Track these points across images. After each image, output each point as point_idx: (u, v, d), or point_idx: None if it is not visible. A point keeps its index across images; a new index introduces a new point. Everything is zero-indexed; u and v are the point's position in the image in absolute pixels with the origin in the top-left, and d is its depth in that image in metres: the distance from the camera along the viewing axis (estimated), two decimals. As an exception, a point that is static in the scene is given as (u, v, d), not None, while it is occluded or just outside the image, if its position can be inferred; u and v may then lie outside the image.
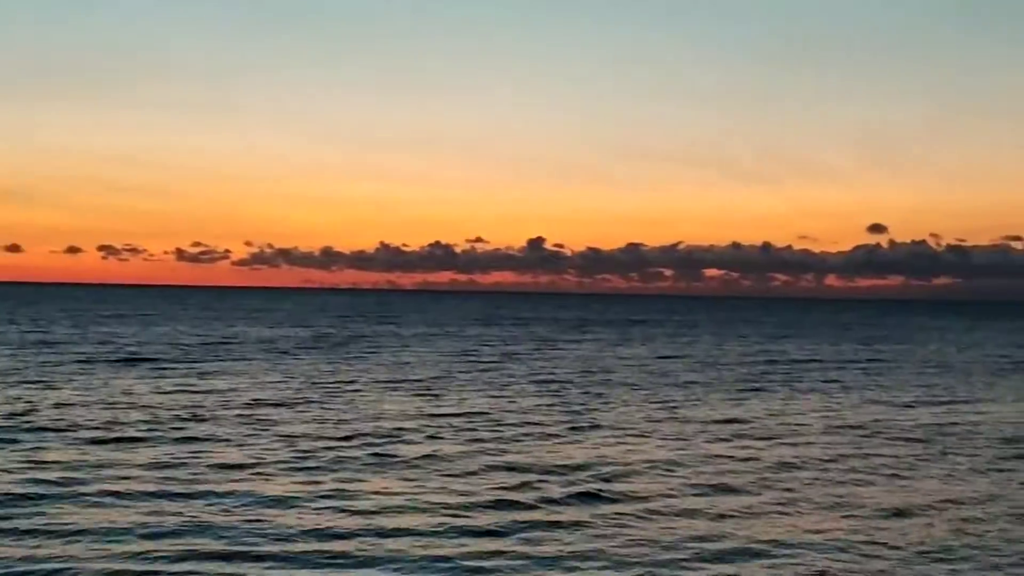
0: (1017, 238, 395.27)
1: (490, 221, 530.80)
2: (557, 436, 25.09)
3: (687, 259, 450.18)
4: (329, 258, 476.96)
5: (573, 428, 26.57)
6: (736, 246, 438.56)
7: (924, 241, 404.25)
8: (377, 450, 22.48)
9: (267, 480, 19.05)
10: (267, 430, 25.16)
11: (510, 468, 20.66)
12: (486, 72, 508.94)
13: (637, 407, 31.77)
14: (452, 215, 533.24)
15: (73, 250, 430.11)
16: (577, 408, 31.01)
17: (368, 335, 75.59)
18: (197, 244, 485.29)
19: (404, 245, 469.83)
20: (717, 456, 22.71)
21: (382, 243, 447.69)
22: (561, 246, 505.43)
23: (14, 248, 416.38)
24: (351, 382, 37.88)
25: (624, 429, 26.72)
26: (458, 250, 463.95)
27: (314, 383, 37.19)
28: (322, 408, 29.88)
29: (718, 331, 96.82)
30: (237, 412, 28.43)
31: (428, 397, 33.25)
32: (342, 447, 22.83)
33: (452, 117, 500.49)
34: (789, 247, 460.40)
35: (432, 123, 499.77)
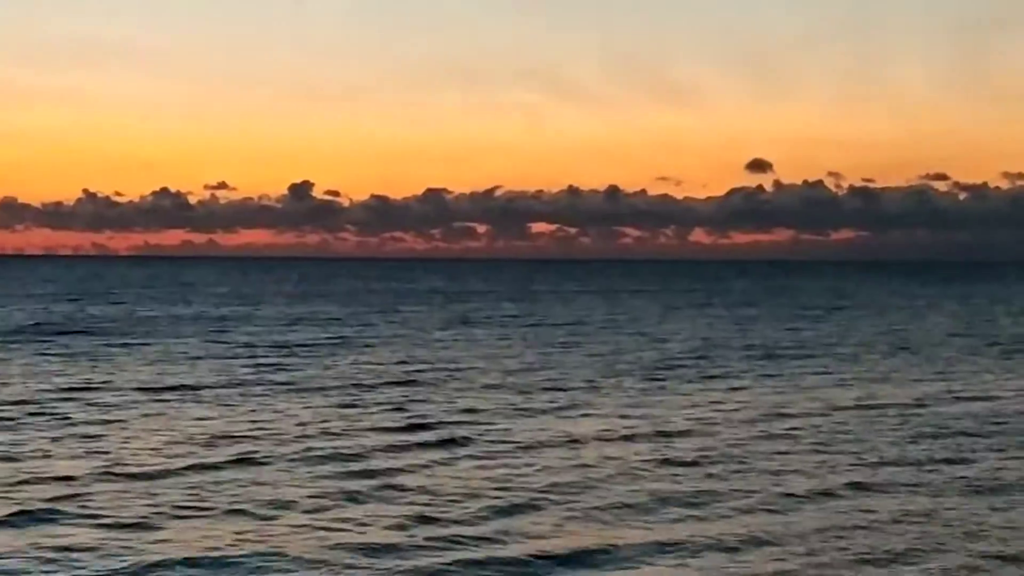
0: (941, 176, 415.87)
1: (237, 161, 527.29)
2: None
3: (507, 210, 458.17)
4: (10, 212, 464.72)
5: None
6: (573, 192, 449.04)
7: (820, 182, 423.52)
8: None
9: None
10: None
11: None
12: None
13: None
14: (183, 153, 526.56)
15: None
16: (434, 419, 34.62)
17: (108, 319, 76.79)
18: None
19: (117, 195, 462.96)
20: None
21: (86, 192, 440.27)
22: (336, 194, 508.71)
23: None
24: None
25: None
26: (193, 200, 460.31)
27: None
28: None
29: (542, 310, 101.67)
30: None
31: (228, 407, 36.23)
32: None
33: (169, 23, 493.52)
34: (643, 192, 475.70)
35: (141, 29, 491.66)
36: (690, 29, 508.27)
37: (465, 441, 29.48)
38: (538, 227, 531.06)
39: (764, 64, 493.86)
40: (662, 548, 19.48)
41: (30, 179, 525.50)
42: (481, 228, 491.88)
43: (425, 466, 26.26)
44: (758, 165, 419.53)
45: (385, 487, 23.81)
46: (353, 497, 22.87)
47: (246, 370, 46.13)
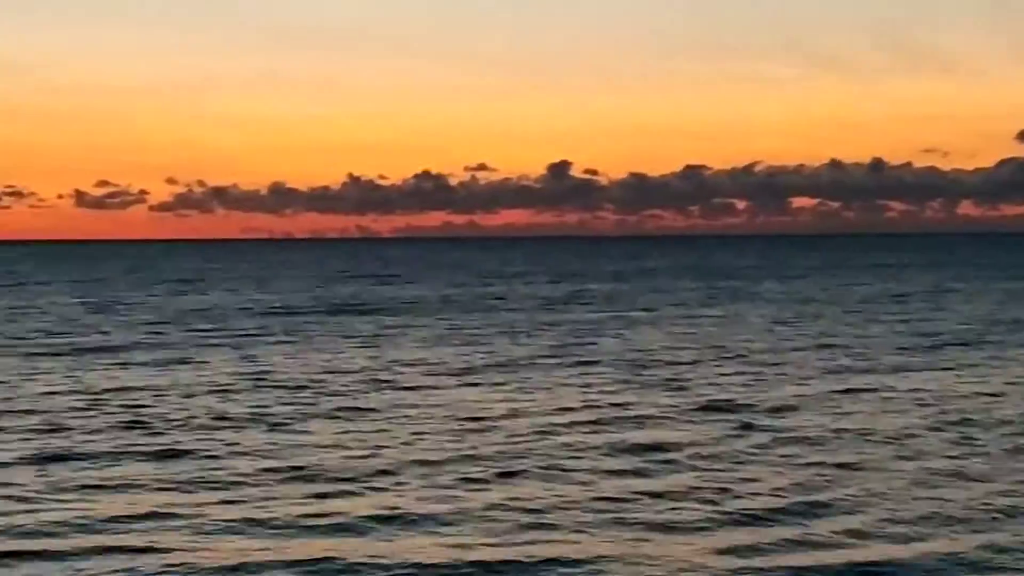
0: None
1: (496, 142, 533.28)
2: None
3: (767, 185, 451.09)
4: (280, 198, 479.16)
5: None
6: (835, 165, 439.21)
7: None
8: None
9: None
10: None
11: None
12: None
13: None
14: (444, 136, 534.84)
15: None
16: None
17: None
18: (103, 184, 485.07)
19: (381, 178, 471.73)
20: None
21: (351, 176, 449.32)
22: (595, 172, 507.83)
23: None
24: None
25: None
26: (454, 182, 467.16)
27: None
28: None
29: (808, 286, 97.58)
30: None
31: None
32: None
33: (430, 5, 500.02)
34: (908, 164, 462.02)
35: (400, 13, 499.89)
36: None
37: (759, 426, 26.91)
38: (799, 202, 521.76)
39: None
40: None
41: (298, 165, 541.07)
42: (740, 204, 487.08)
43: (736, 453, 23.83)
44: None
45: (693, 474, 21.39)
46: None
47: (552, 347, 45.33)
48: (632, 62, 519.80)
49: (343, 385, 34.38)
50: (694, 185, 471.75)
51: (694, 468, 22.37)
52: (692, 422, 27.53)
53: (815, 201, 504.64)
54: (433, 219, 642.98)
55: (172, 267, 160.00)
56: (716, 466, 22.50)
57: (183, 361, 40.70)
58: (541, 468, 22.34)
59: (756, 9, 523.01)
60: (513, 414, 28.75)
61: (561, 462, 22.86)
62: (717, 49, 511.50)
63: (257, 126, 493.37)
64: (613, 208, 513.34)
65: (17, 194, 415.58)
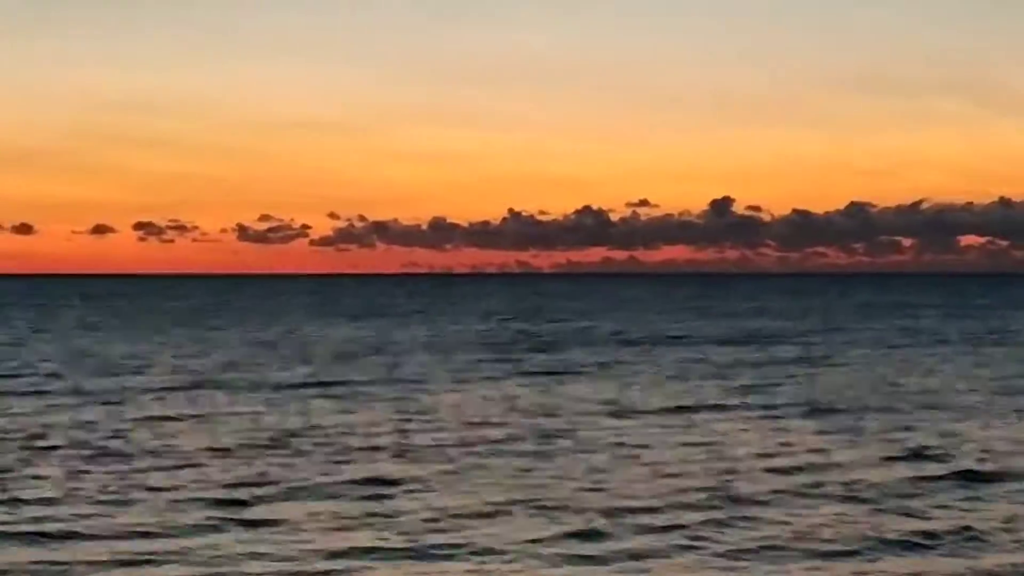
0: None
1: (658, 178, 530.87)
2: None
3: (934, 223, 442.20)
4: (440, 233, 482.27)
5: None
6: (1005, 203, 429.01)
7: None
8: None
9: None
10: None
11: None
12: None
13: None
14: (604, 172, 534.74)
15: (101, 230, 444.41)
16: None
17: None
18: (266, 218, 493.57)
19: (542, 213, 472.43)
20: None
21: (511, 211, 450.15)
22: (757, 209, 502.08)
23: (24, 229, 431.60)
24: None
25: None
26: (615, 217, 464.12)
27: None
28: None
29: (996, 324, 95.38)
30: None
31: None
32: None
33: (592, 40, 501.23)
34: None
35: (563, 48, 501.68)
36: None
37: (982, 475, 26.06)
38: (967, 240, 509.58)
39: None
40: None
41: (458, 199, 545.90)
42: (907, 242, 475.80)
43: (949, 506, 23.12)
44: None
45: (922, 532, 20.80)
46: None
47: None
48: (796, 97, 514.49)
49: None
50: (859, 222, 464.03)
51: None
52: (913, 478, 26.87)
53: (984, 239, 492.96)
54: (593, 255, 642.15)
55: (352, 301, 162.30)
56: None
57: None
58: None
59: (923, 45, 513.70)
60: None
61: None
62: (885, 85, 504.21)
63: (418, 160, 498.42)
64: (775, 245, 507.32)
65: (180, 228, 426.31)
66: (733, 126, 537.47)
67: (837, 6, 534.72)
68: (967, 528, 20.81)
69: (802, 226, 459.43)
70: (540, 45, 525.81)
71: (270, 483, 24.84)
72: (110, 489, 23.89)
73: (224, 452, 28.85)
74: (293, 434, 31.86)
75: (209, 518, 21.32)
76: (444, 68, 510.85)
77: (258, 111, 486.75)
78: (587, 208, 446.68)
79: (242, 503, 22.80)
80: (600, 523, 20.97)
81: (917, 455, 28.82)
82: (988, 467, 27.02)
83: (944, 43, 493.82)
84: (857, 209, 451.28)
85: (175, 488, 24.11)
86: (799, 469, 26.82)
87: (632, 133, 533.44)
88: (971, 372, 50.94)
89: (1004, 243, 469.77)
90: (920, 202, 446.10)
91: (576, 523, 20.98)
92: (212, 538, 19.88)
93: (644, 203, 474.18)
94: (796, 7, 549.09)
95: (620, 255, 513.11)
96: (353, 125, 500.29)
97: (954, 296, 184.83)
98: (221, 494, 23.52)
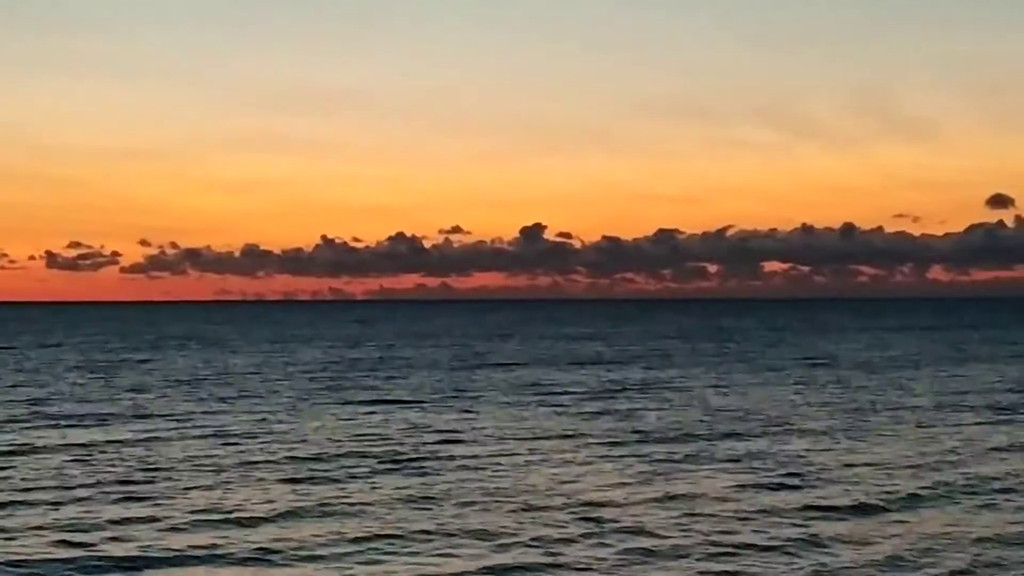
0: None
1: (470, 205, 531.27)
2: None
3: (739, 249, 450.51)
4: (253, 259, 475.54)
5: None
6: (807, 230, 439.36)
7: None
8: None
9: None
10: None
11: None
12: (449, 6, 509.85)
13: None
14: (418, 199, 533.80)
15: None
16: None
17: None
18: (75, 245, 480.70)
19: (355, 240, 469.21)
20: None
21: (324, 238, 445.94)
22: (568, 236, 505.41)
23: None
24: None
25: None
26: (428, 244, 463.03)
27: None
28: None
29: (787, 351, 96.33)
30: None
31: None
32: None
33: (407, 69, 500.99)
34: (879, 229, 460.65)
35: (378, 77, 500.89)
36: (926, 61, 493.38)
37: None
38: (771, 266, 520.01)
39: (1005, 96, 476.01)
40: None
41: (271, 226, 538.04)
42: (713, 268, 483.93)
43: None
44: (999, 200, 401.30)
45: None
46: None
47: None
48: (607, 127, 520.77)
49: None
50: (667, 248, 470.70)
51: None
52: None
53: (787, 265, 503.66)
54: (406, 281, 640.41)
55: (169, 328, 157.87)
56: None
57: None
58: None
59: (728, 75, 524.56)
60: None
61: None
62: (691, 114, 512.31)
63: (231, 187, 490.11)
64: (586, 271, 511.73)
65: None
66: (544, 153, 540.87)
67: (647, 35, 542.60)
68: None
69: (612, 252, 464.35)
70: (353, 73, 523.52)
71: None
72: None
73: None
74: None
75: None
76: (256, 95, 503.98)
77: (66, 136, 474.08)
78: (400, 235, 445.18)
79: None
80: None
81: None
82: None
83: (751, 73, 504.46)
84: (665, 236, 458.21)
85: None
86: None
87: (445, 160, 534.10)
88: (821, 398, 50.47)
89: (806, 268, 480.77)
90: (726, 228, 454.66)
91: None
92: None
93: (457, 230, 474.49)
94: (607, 36, 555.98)
95: (433, 282, 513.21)
96: (164, 151, 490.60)
97: (765, 320, 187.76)
98: None
